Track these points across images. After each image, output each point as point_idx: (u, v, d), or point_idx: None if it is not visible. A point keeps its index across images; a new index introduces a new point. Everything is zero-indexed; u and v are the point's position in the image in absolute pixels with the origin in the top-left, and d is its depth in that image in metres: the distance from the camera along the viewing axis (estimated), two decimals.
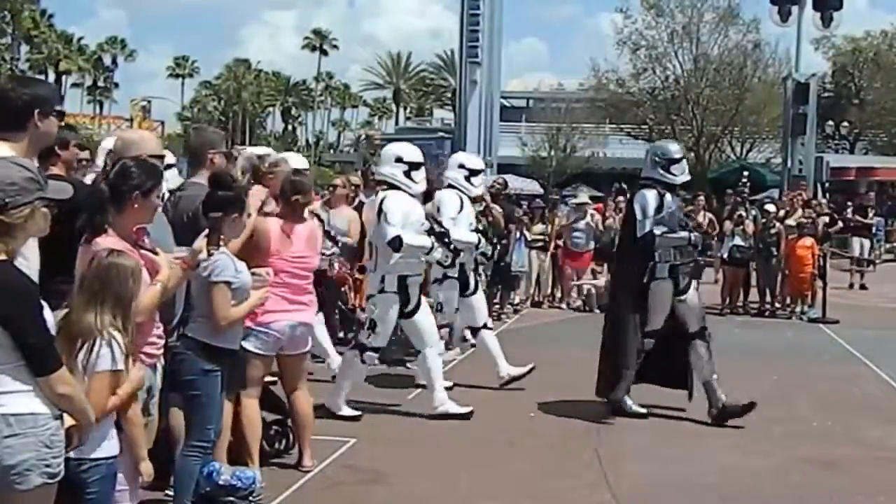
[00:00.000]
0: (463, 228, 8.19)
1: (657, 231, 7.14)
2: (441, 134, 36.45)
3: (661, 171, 7.36)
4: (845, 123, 41.20)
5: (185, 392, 4.72)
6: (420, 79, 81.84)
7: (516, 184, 25.49)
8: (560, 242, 14.84)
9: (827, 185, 29.10)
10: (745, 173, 30.29)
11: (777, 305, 14.57)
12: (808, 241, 14.02)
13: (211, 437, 4.75)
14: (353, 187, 9.89)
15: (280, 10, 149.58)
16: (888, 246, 26.21)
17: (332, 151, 73.66)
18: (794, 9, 25.69)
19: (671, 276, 7.27)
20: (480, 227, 8.95)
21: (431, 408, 7.20)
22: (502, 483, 5.86)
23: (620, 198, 15.57)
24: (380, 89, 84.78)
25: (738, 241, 14.71)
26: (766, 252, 14.30)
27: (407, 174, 7.01)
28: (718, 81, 36.01)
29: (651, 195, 7.24)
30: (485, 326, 8.65)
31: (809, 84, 26.12)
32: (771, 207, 15.17)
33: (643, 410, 7.29)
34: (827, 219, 17.24)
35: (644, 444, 6.73)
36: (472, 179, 8.54)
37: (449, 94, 62.07)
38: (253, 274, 4.90)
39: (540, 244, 14.62)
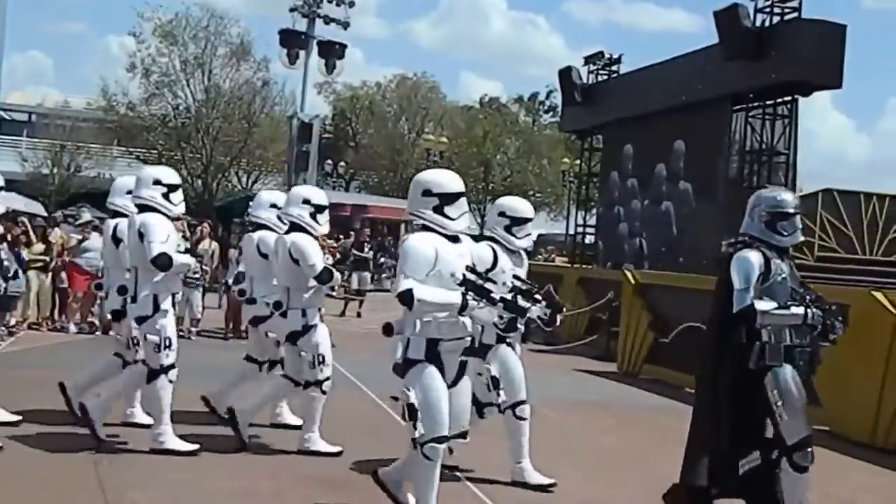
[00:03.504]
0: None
1: (761, 306, 5.41)
2: None
3: (765, 229, 5.68)
4: (343, 163, 43.78)
5: None
6: None
7: (18, 204, 23.65)
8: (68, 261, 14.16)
9: None
10: (251, 203, 30.97)
11: None
12: None
13: None
14: None
15: None
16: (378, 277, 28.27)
17: None
18: (302, 53, 26.71)
19: (788, 361, 5.45)
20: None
21: None
22: None
23: None
24: None
25: (241, 268, 14.88)
26: None
27: (438, 209, 5.30)
28: (229, 114, 36.37)
29: (755, 258, 5.55)
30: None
31: (313, 125, 27.28)
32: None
33: None
34: None
35: (150, 472, 6.48)
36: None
37: None
38: None
39: (40, 264, 13.76)
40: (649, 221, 19.91)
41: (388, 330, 5.18)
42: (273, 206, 7.99)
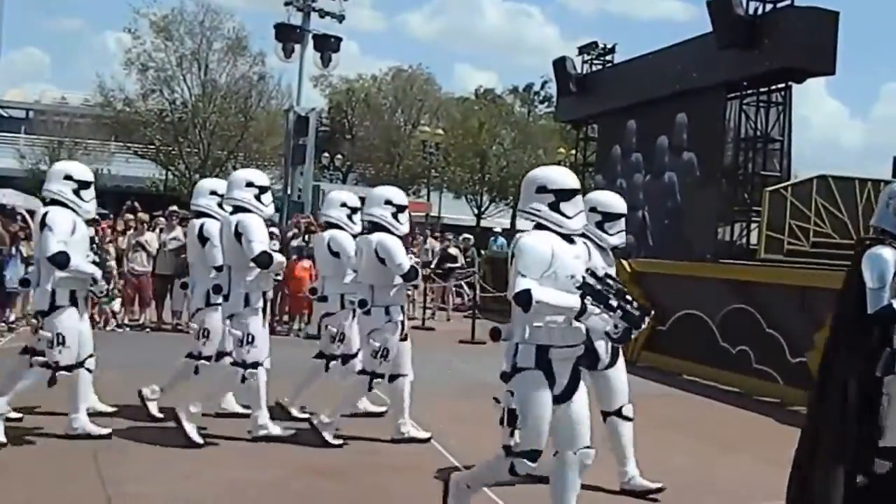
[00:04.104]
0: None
1: None
2: None
3: None
4: (339, 156, 43.69)
5: None
6: None
7: (17, 200, 23.61)
8: None
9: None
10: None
11: (276, 324, 14.97)
12: (307, 262, 14.57)
13: None
14: None
15: None
16: None
17: None
18: (297, 47, 26.70)
19: None
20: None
21: None
22: None
23: (130, 216, 15.08)
24: None
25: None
26: None
27: (554, 207, 4.94)
28: (225, 108, 36.36)
29: (890, 254, 5.03)
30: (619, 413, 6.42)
31: (309, 118, 27.28)
32: (274, 230, 15.55)
33: None
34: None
35: (149, 464, 6.47)
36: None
37: None
38: None
39: None
40: (651, 198, 19.92)
41: (495, 335, 4.85)
42: (343, 204, 8.13)
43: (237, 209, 7.14)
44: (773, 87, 17.20)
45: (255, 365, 7.05)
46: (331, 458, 6.89)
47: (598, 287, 4.78)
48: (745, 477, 6.96)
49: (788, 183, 15.96)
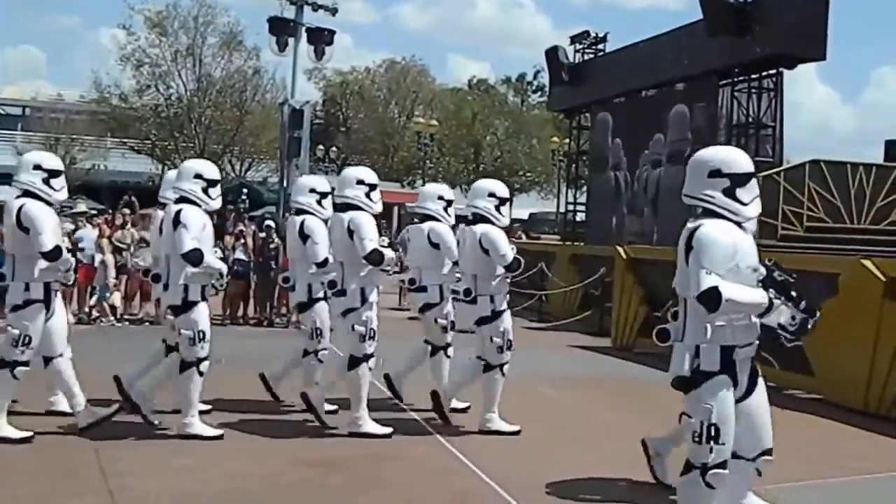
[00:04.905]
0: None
1: None
2: None
3: None
4: (334, 148, 43.57)
5: None
6: None
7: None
8: None
9: None
10: (245, 191, 30.88)
11: (274, 317, 14.94)
12: None
13: None
14: None
15: None
16: None
17: None
18: (291, 40, 26.58)
19: None
20: None
21: None
22: None
23: (127, 210, 15.04)
24: None
25: (239, 255, 14.84)
26: (265, 266, 14.58)
27: (729, 192, 4.53)
28: (221, 102, 36.25)
29: None
30: None
31: (304, 111, 27.16)
32: (272, 223, 15.52)
33: None
34: None
35: (150, 459, 6.44)
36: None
37: None
38: None
39: None
40: (644, 185, 19.89)
41: (663, 337, 4.53)
42: (440, 197, 8.24)
43: (348, 206, 7.28)
44: (765, 73, 17.16)
45: (370, 357, 7.21)
46: (330, 449, 6.87)
47: (781, 278, 4.44)
48: None
49: (781, 168, 15.92)
